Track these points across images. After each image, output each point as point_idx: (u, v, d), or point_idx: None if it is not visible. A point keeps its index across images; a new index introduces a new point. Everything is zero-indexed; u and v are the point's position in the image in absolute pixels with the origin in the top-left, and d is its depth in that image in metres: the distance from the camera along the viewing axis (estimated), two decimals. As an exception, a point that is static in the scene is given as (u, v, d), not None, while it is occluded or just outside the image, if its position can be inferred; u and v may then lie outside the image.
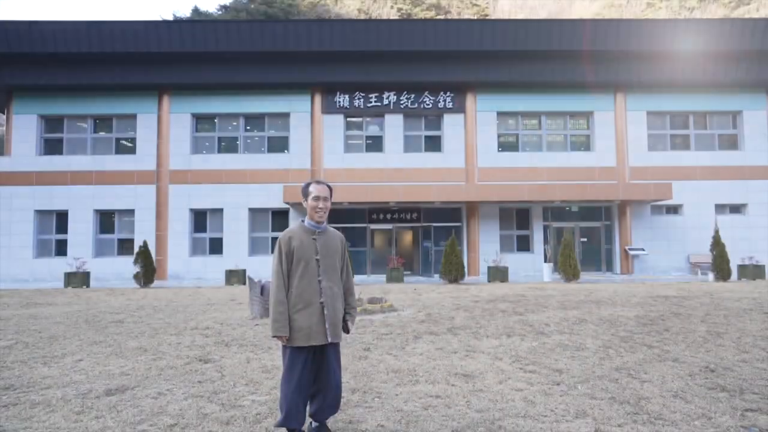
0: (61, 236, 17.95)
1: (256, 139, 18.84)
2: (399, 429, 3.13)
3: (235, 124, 18.77)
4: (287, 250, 2.95)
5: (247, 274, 15.48)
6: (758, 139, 18.25)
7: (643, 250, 17.68)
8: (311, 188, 3.05)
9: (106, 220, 18.29)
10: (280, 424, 2.93)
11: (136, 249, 15.52)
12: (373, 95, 18.20)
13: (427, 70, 17.59)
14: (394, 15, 55.34)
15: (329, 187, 3.11)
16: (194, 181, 18.01)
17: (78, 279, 14.79)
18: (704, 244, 17.38)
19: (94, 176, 17.90)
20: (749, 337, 5.90)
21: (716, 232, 14.84)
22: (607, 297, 10.14)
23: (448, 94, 18.27)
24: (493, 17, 56.96)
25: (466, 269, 15.66)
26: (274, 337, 2.89)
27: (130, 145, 18.59)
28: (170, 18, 47.87)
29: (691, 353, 5.11)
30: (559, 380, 4.18)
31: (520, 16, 56.98)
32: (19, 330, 6.99)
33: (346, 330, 3.14)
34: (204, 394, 3.87)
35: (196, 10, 50.58)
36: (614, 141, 18.28)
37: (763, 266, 15.40)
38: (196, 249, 18.18)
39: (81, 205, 17.76)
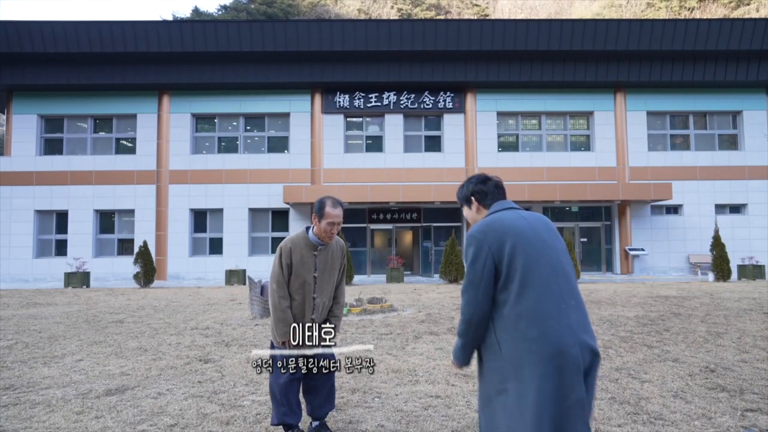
0: (61, 236, 17.94)
1: (256, 139, 18.83)
2: (399, 429, 3.13)
3: (235, 124, 18.76)
4: (287, 262, 2.93)
5: (247, 274, 15.48)
6: (758, 139, 18.24)
7: (643, 250, 17.67)
8: (328, 210, 2.84)
9: (106, 220, 18.28)
10: (275, 422, 2.93)
11: (136, 249, 15.53)
12: (373, 95, 18.18)
13: (427, 70, 17.58)
14: (394, 15, 55.30)
15: (343, 207, 2.96)
16: (194, 181, 18.00)
17: (78, 279, 14.79)
18: (704, 244, 17.38)
19: (94, 176, 17.90)
20: (749, 337, 5.90)
21: (716, 232, 14.85)
22: (607, 297, 10.14)
23: (448, 94, 18.25)
24: (493, 17, 56.93)
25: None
26: (280, 342, 2.85)
27: (130, 145, 18.58)
28: (170, 18, 47.87)
29: (691, 353, 5.11)
30: (559, 380, 4.17)
31: (520, 16, 56.94)
32: (19, 330, 6.99)
33: None
34: (204, 394, 3.87)
35: (196, 10, 50.53)
36: (614, 141, 18.28)
37: (763, 266, 15.40)
38: (196, 249, 18.16)
39: (81, 205, 17.75)
